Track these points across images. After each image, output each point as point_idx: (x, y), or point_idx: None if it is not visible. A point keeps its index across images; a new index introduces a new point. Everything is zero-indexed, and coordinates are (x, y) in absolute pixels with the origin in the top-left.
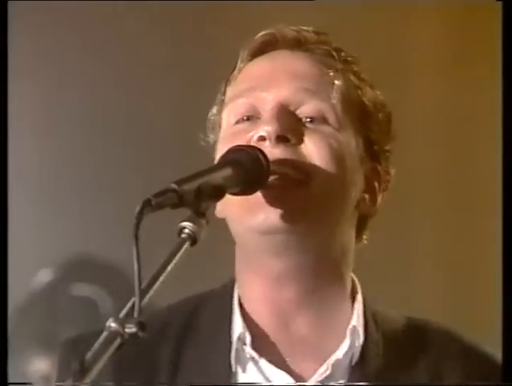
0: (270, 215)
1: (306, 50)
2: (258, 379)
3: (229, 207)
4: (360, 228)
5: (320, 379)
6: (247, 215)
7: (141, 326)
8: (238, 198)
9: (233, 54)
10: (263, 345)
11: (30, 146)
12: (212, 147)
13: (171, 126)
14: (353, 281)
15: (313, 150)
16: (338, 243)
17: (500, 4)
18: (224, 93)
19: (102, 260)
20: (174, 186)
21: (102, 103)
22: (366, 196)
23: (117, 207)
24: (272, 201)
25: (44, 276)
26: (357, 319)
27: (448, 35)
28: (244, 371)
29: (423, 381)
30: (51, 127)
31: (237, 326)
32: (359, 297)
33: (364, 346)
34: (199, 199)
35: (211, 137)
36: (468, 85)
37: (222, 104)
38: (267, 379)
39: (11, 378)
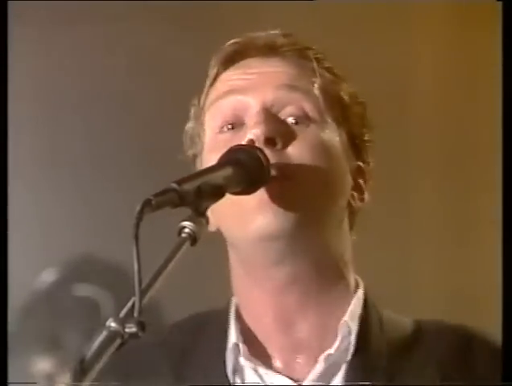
0: (268, 219)
1: (278, 54)
2: (259, 382)
3: (223, 217)
4: (349, 225)
5: (314, 377)
6: (244, 221)
7: (141, 325)
8: (231, 207)
9: None
10: (263, 351)
11: (31, 146)
12: (192, 161)
13: (171, 126)
14: (356, 280)
15: (299, 154)
16: (335, 243)
17: (500, 4)
18: (199, 103)
19: (104, 261)
20: (174, 185)
21: (103, 102)
22: (355, 194)
23: (120, 208)
24: (267, 205)
25: (47, 276)
26: (350, 315)
27: (448, 35)
28: (243, 381)
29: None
30: (52, 126)
31: (232, 337)
32: (359, 293)
33: (360, 340)
34: (199, 198)
35: (189, 152)
36: (468, 85)
37: (199, 115)
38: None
39: (14, 377)
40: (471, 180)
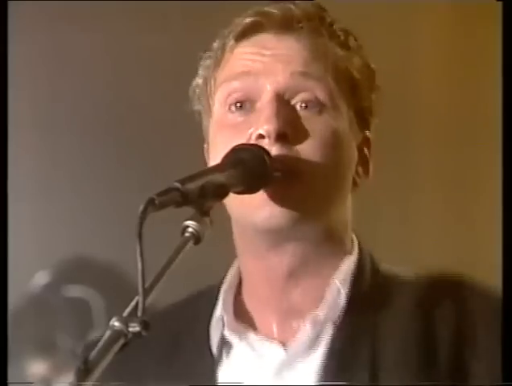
0: (273, 213)
1: (293, 31)
2: (247, 352)
3: (228, 201)
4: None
5: (301, 338)
6: (248, 213)
7: (144, 325)
8: (237, 197)
9: None
10: (255, 316)
11: (28, 147)
12: (198, 115)
13: (169, 126)
14: (351, 241)
15: (310, 150)
16: (339, 219)
17: (500, 4)
18: (213, 71)
19: (96, 262)
20: (177, 184)
21: (102, 103)
22: (360, 168)
23: (113, 209)
24: (274, 198)
25: (40, 278)
26: (339, 275)
27: (448, 35)
28: (228, 354)
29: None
30: (51, 128)
31: (217, 311)
32: (354, 254)
33: (350, 300)
34: (203, 197)
35: (195, 107)
36: (468, 85)
37: (208, 86)
38: (257, 353)
39: (9, 379)
40: (470, 182)
